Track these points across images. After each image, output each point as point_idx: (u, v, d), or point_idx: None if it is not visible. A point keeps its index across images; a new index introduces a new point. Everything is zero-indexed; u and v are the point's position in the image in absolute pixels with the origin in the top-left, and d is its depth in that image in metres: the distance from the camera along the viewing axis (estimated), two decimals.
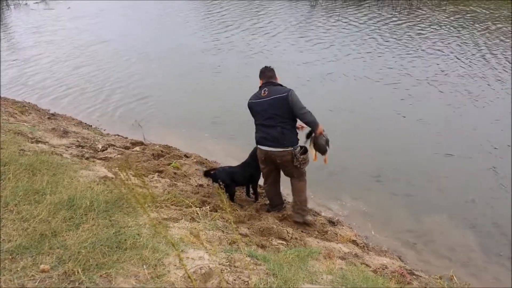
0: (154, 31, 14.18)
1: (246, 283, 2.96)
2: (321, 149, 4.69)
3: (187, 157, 6.53)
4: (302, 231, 4.69)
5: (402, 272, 4.05)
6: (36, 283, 2.68)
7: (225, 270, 3.07)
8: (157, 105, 8.68)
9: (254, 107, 4.66)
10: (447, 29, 12.77)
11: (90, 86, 9.66)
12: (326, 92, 8.88)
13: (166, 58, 11.45)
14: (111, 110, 8.59)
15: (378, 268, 4.20)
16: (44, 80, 10.16)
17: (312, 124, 4.57)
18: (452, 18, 13.80)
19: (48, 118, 7.29)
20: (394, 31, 12.81)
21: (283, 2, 17.15)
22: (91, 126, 7.73)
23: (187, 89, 9.39)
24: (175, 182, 5.22)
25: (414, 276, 4.28)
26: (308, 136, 4.76)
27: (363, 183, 6.06)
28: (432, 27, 13.07)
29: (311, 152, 4.73)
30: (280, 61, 10.10)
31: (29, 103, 8.51)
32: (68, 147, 5.57)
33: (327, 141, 4.68)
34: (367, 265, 4.24)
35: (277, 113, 4.51)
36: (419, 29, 12.92)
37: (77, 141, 5.95)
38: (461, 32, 12.39)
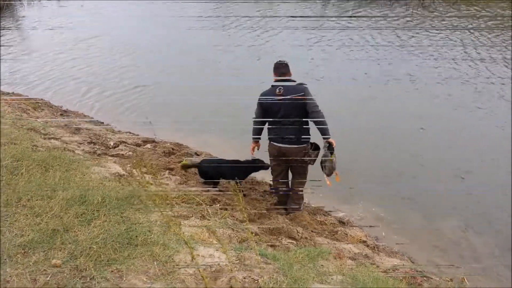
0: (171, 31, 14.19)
1: (256, 281, 2.95)
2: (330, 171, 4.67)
3: (198, 155, 6.55)
4: (312, 231, 4.67)
5: (413, 274, 4.01)
6: (48, 278, 2.71)
7: (235, 268, 3.07)
8: (169, 103, 8.69)
9: (267, 105, 4.63)
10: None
11: (105, 84, 9.71)
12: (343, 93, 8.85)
13: (181, 57, 11.48)
14: (123, 107, 8.63)
15: (389, 269, 4.17)
16: (57, 77, 10.25)
17: (323, 128, 4.51)
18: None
19: (61, 114, 7.36)
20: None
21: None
22: (102, 123, 7.77)
23: (200, 87, 9.38)
24: (186, 180, 5.23)
25: (424, 278, 4.24)
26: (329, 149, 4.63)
27: (374, 185, 6.01)
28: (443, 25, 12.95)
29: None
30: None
31: (41, 99, 8.58)
32: (80, 144, 5.62)
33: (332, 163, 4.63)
34: (377, 266, 4.21)
35: (293, 112, 4.50)
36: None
37: (89, 137, 6.00)
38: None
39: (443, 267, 4.76)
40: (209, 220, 3.99)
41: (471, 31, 12.42)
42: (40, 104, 7.72)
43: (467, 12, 14.36)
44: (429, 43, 11.69)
